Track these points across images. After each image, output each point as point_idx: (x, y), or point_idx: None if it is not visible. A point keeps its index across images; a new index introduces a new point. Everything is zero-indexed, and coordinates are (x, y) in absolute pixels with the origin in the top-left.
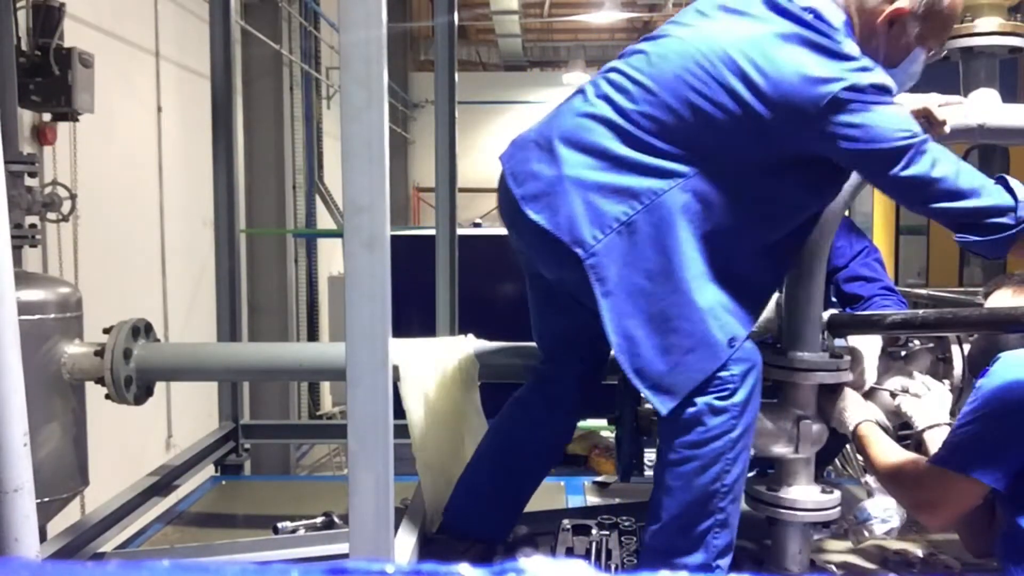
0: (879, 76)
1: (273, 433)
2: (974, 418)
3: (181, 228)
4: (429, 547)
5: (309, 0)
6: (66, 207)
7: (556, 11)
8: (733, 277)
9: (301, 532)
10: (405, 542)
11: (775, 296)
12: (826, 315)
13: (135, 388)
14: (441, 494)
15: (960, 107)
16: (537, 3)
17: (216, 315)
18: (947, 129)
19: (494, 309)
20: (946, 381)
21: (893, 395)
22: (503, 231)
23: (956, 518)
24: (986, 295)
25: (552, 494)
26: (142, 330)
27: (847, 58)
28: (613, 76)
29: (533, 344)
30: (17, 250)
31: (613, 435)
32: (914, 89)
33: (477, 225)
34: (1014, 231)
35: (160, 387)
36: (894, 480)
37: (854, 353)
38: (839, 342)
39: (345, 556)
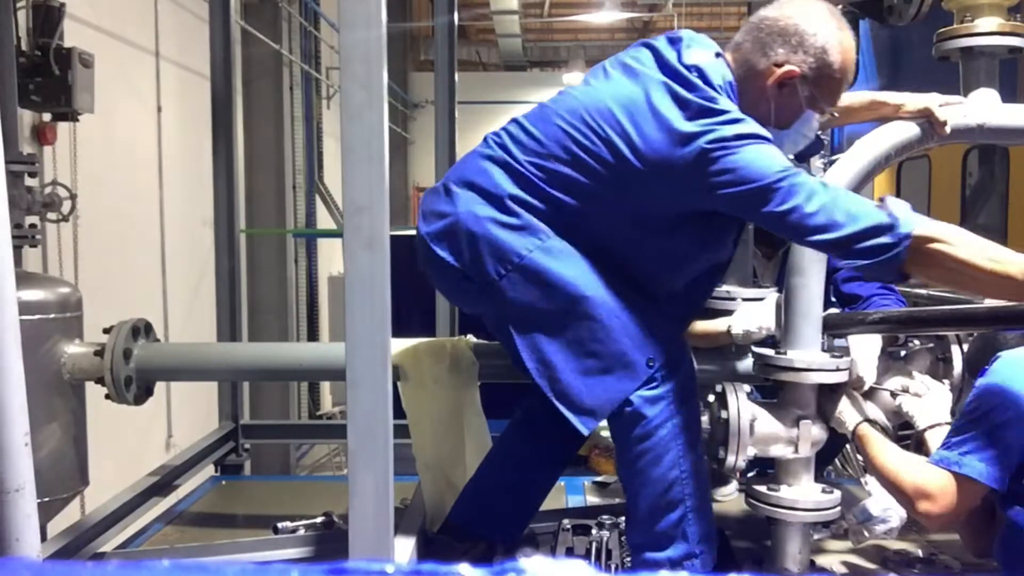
0: (747, 127)
1: (273, 433)
2: (974, 417)
3: (181, 228)
4: (429, 547)
5: (309, 0)
6: (66, 207)
7: (556, 11)
8: (642, 307)
9: (301, 532)
10: (405, 542)
11: (775, 296)
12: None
13: (135, 388)
14: (441, 494)
15: (960, 107)
16: (537, 3)
17: (216, 315)
18: (947, 129)
19: None
20: (946, 381)
21: (893, 395)
22: None
23: (956, 518)
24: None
25: (552, 494)
26: (142, 330)
27: (715, 113)
28: (512, 127)
29: None
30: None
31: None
32: (916, 88)
33: None
34: (898, 250)
35: (160, 387)
36: (893, 481)
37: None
38: (839, 342)
39: (345, 556)
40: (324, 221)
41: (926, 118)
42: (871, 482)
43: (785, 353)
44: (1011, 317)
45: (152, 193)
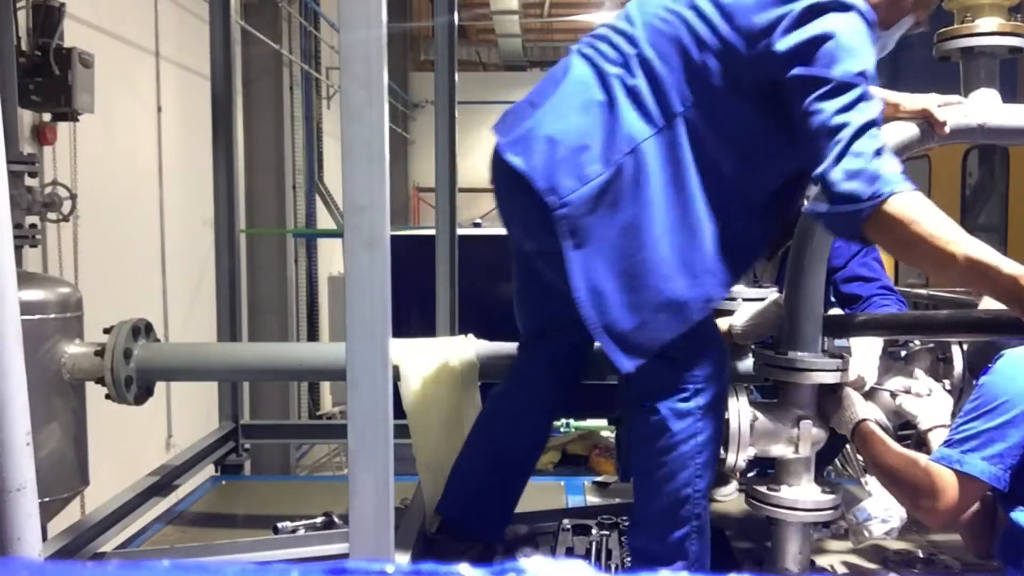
0: (859, 3)
1: (273, 433)
2: (976, 416)
3: (181, 228)
4: (429, 547)
5: (309, 0)
6: (66, 207)
7: (556, 11)
8: (712, 235)
9: (301, 532)
10: (405, 542)
11: (774, 296)
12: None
13: (135, 388)
14: (441, 494)
15: (960, 107)
16: (537, 3)
17: (216, 315)
18: (947, 129)
19: (494, 309)
20: (946, 381)
21: (894, 395)
22: (503, 231)
23: (957, 518)
24: (980, 294)
25: (552, 494)
26: (142, 330)
27: None
28: (599, 33)
29: None
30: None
31: (613, 435)
32: (914, 90)
33: (477, 225)
34: (864, 205)
35: (160, 387)
36: (895, 480)
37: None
38: (840, 342)
39: (345, 556)
40: (324, 221)
41: (925, 118)
42: (871, 482)
43: (785, 353)
44: (1013, 324)
45: (152, 193)
